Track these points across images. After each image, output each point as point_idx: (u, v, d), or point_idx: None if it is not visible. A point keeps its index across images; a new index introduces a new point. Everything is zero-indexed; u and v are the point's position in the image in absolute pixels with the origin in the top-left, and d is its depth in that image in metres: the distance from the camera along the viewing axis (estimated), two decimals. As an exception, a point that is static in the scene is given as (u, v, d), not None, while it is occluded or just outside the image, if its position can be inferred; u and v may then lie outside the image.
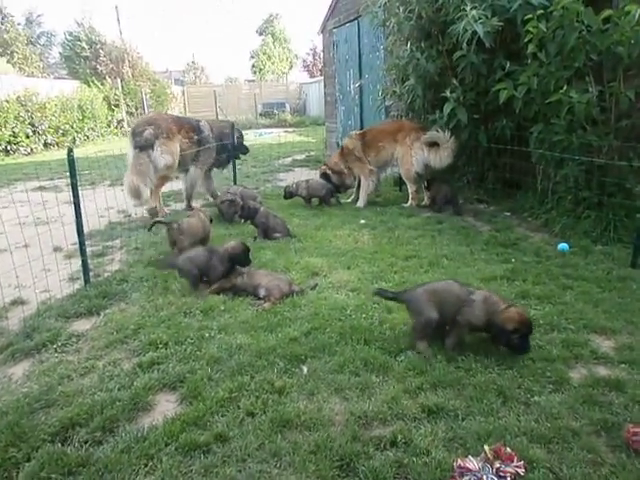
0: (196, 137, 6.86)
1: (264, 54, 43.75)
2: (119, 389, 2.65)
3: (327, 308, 3.49)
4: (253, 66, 44.52)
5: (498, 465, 1.97)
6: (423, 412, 2.36)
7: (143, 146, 6.18)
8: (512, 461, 1.99)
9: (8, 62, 27.91)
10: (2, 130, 14.19)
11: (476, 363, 2.75)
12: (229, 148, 7.41)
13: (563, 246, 4.65)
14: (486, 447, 2.04)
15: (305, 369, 2.75)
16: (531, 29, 4.74)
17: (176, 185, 8.50)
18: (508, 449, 2.04)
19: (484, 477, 1.93)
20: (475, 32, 5.18)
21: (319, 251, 4.81)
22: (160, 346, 3.07)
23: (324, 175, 7.08)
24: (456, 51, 5.72)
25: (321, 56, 35.53)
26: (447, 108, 5.89)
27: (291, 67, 46.25)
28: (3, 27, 34.13)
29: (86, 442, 2.27)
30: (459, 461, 1.99)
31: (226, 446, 2.19)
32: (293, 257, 4.61)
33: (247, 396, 2.51)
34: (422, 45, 6.37)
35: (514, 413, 2.35)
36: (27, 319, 3.64)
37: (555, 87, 4.80)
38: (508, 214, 6.06)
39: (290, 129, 21.68)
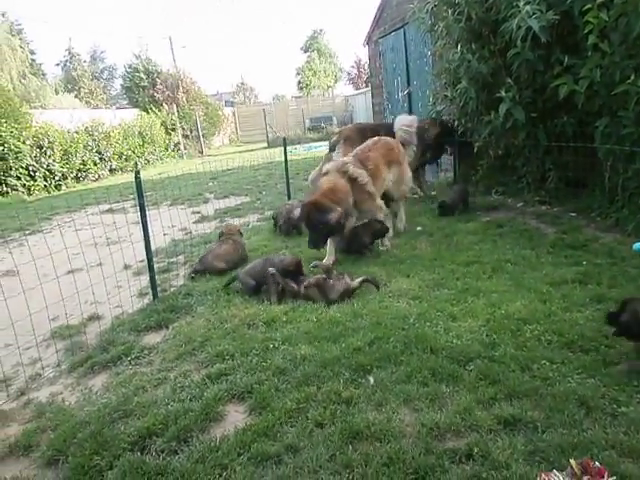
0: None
1: (310, 70, 44.59)
2: (190, 400, 2.73)
3: (389, 317, 3.44)
4: (299, 82, 45.46)
5: (587, 481, 1.84)
6: (499, 424, 2.25)
7: (331, 148, 7.60)
8: (602, 477, 1.84)
9: (76, 97, 30.21)
10: (73, 159, 15.28)
11: (553, 372, 2.60)
12: (430, 145, 7.51)
13: (639, 246, 4.33)
14: (572, 461, 1.90)
15: (372, 379, 2.71)
16: (591, 19, 4.50)
17: (231, 202, 8.77)
18: (597, 463, 1.89)
19: (572, 493, 1.80)
20: (530, 28, 5.00)
21: (376, 260, 4.77)
22: (227, 357, 3.14)
23: None
24: (509, 50, 5.54)
25: (365, 68, 35.91)
26: (503, 108, 5.70)
27: (336, 81, 46.82)
28: (72, 65, 37.03)
29: (163, 451, 2.35)
30: (543, 475, 1.87)
31: (297, 457, 2.19)
32: (350, 267, 4.60)
33: (315, 407, 2.51)
34: (473, 47, 6.22)
35: (600, 425, 2.19)
36: (103, 333, 3.85)
37: (621, 78, 4.52)
38: (574, 214, 5.73)
39: (338, 141, 21.78)
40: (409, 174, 5.79)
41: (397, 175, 5.50)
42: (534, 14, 4.98)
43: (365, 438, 2.25)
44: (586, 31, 4.64)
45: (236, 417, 2.58)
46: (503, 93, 5.68)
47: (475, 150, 6.95)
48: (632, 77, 4.37)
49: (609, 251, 4.36)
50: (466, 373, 2.67)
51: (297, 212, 6.12)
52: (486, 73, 6.03)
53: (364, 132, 7.01)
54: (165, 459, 2.29)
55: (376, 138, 5.60)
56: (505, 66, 5.91)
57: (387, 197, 5.50)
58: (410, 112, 10.21)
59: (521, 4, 5.01)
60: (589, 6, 4.52)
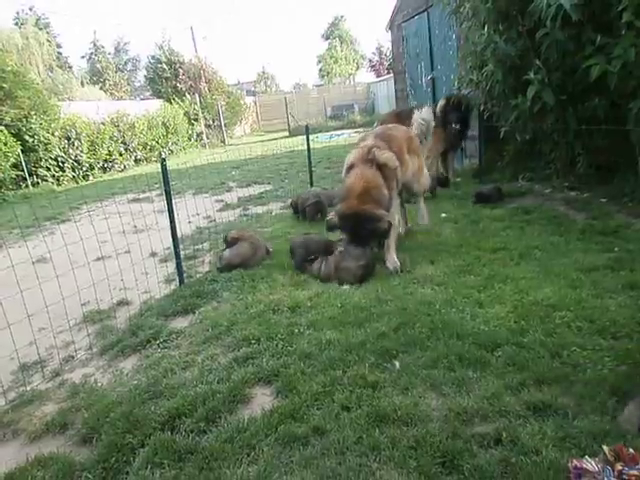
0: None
1: (331, 57, 44.17)
2: (218, 382, 2.78)
3: (414, 303, 3.42)
4: (320, 70, 45.11)
5: (620, 467, 1.79)
6: (528, 409, 2.23)
7: None
8: (637, 463, 1.80)
9: (101, 89, 30.70)
10: (100, 150, 15.58)
11: (584, 359, 2.54)
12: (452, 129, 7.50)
13: (674, 231, 4.18)
14: (605, 447, 1.87)
15: (397, 364, 2.70)
16: (626, -4, 4.32)
17: (254, 190, 8.83)
18: (630, 450, 1.86)
19: (605, 480, 1.77)
20: (560, 6, 4.81)
21: (400, 246, 4.72)
22: (253, 342, 3.18)
23: None
24: (538, 30, 5.35)
25: (387, 55, 35.33)
26: (531, 91, 5.53)
27: (357, 68, 46.27)
28: (96, 58, 37.60)
29: (192, 431, 2.41)
30: (575, 462, 1.84)
31: (324, 439, 2.21)
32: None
33: (341, 390, 2.52)
34: (500, 27, 6.04)
35: (633, 413, 2.14)
36: (132, 318, 3.95)
37: (657, 57, 4.34)
38: (604, 200, 5.55)
39: (360, 129, 21.61)
40: (426, 169, 5.45)
41: (417, 166, 5.10)
42: (565, -9, 4.80)
43: (392, 421, 2.25)
44: (620, 8, 4.46)
45: (263, 399, 2.62)
46: (532, 75, 5.51)
47: (502, 135, 6.78)
48: (670, 55, 4.19)
49: (643, 237, 4.22)
50: (494, 359, 2.64)
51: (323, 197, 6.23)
52: (514, 55, 5.86)
53: (399, 115, 7.67)
54: (194, 439, 2.34)
55: (392, 124, 5.42)
56: (533, 47, 5.73)
57: (407, 190, 5.17)
58: (434, 98, 10.04)
59: (552, -18, 4.83)
60: (624, -18, 4.33)
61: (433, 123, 5.69)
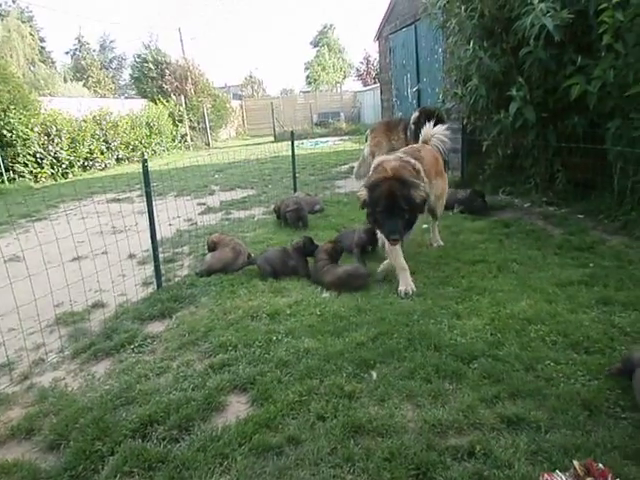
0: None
1: (319, 65, 44.45)
2: (193, 389, 2.73)
3: (393, 313, 3.43)
4: (308, 77, 45.32)
5: (590, 482, 1.82)
6: (502, 422, 2.24)
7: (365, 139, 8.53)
8: (605, 478, 1.83)
9: (84, 85, 30.24)
10: (81, 147, 15.31)
11: (557, 373, 2.58)
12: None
13: (647, 249, 4.30)
14: (575, 462, 1.89)
15: (374, 374, 2.70)
16: (606, 19, 4.45)
17: (237, 195, 8.78)
18: (600, 465, 1.88)
19: (574, 494, 1.79)
20: (543, 26, 4.94)
21: (380, 255, 4.74)
22: (230, 348, 3.14)
23: None
24: (521, 48, 5.48)
25: (374, 64, 35.69)
26: (513, 107, 5.66)
27: (345, 76, 46.64)
28: (81, 54, 37.08)
29: (164, 439, 2.35)
30: (546, 476, 1.85)
31: (298, 449, 2.19)
32: (355, 262, 4.58)
33: (317, 400, 2.51)
34: (485, 44, 6.17)
35: (604, 427, 2.17)
36: (107, 321, 3.86)
37: (634, 79, 4.47)
38: (581, 216, 5.69)
39: (345, 137, 21.76)
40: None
41: (441, 189, 4.85)
42: (548, 12, 4.94)
43: (367, 432, 2.25)
44: (600, 31, 4.60)
45: (238, 407, 2.58)
46: (514, 92, 5.64)
47: (484, 149, 6.90)
48: (646, 79, 4.33)
49: (616, 254, 4.33)
50: (470, 371, 2.66)
51: (304, 203, 6.22)
52: (497, 71, 5.99)
53: (387, 124, 8.57)
54: (166, 447, 2.29)
55: (420, 144, 4.94)
56: (517, 65, 5.86)
57: (429, 212, 4.80)
58: (419, 109, 10.19)
59: (535, 2, 4.96)
60: (604, 5, 4.47)
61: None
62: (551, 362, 2.68)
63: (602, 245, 4.64)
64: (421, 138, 5.13)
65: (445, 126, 5.30)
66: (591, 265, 4.13)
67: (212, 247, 4.89)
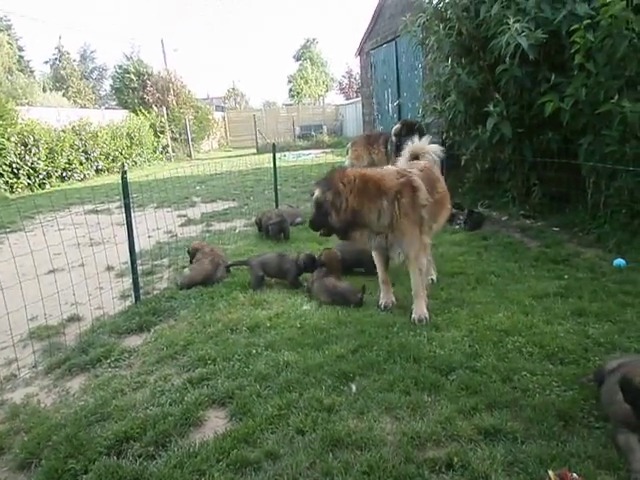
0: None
1: (301, 78, 44.84)
2: (170, 404, 2.69)
3: (373, 326, 3.44)
4: (290, 90, 45.64)
5: (565, 492, 1.85)
6: (479, 434, 2.26)
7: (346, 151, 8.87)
8: (580, 488, 1.86)
9: (64, 95, 29.88)
10: (59, 158, 15.06)
11: (533, 384, 2.62)
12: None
13: (619, 262, 4.42)
14: (550, 472, 1.93)
15: (354, 387, 2.70)
16: (578, 40, 4.63)
17: (218, 207, 8.74)
18: (575, 474, 1.92)
19: (550, 504, 1.81)
20: (518, 45, 5.10)
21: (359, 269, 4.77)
22: (209, 362, 3.10)
23: None
24: (498, 65, 5.65)
25: (356, 78, 36.19)
26: (490, 122, 5.80)
27: (327, 90, 47.13)
28: (61, 64, 36.69)
29: (140, 456, 2.30)
30: (522, 486, 1.88)
31: (277, 464, 2.17)
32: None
33: (296, 413, 2.49)
34: (463, 61, 6.34)
35: (578, 437, 2.22)
36: (82, 335, 3.78)
37: (605, 97, 4.64)
38: (557, 229, 5.83)
39: (328, 150, 21.91)
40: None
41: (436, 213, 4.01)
42: (523, 32, 5.10)
43: (346, 446, 2.24)
44: (573, 51, 4.77)
45: (216, 422, 2.55)
46: (491, 108, 5.78)
47: (462, 163, 7.04)
48: (616, 97, 4.50)
49: (590, 266, 4.44)
50: (448, 383, 2.68)
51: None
52: (475, 88, 6.14)
53: (368, 138, 8.80)
54: (142, 464, 2.24)
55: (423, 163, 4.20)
56: (494, 81, 6.03)
57: None
58: (399, 123, 10.36)
59: (511, 22, 5.12)
60: (576, 26, 4.65)
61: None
62: (527, 373, 2.72)
63: (577, 257, 4.76)
64: (407, 152, 4.46)
65: (436, 144, 4.66)
66: (566, 277, 4.23)
67: (193, 253, 4.92)
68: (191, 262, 4.96)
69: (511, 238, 5.66)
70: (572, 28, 4.73)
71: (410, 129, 7.70)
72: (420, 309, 3.58)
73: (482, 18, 5.79)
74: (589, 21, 4.61)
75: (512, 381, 2.66)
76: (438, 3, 6.73)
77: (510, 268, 4.57)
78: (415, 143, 4.52)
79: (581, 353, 2.91)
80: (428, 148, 4.44)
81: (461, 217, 6.46)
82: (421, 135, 7.71)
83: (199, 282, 4.52)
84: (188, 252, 5.11)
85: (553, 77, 5.30)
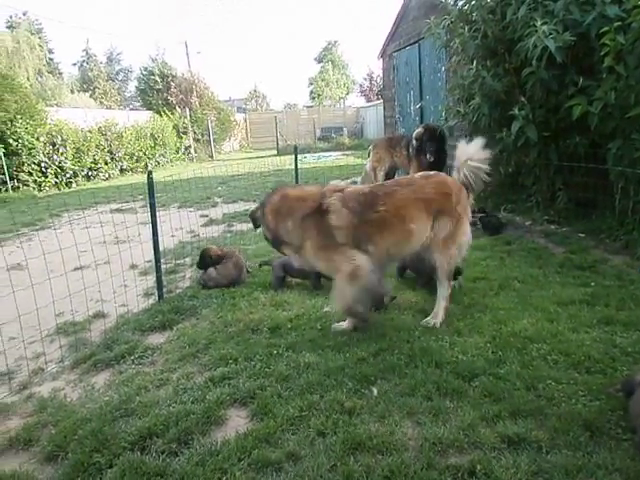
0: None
1: (322, 80, 44.92)
2: (192, 402, 2.72)
3: (394, 329, 3.42)
4: (311, 92, 45.78)
5: (591, 504, 1.81)
6: (503, 442, 2.23)
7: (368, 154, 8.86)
8: (607, 501, 1.82)
9: (90, 97, 30.59)
10: (85, 157, 15.43)
11: (559, 392, 2.57)
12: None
13: (649, 269, 4.30)
14: (577, 484, 1.89)
15: (375, 390, 2.69)
16: (608, 42, 4.53)
17: (240, 207, 8.81)
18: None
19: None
20: (545, 48, 5.02)
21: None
22: (230, 362, 3.13)
23: None
24: (524, 68, 5.57)
25: (377, 81, 36.07)
26: (515, 126, 5.71)
27: (348, 92, 47.10)
28: (88, 66, 37.57)
29: (163, 452, 2.34)
30: (547, 497, 1.84)
31: (298, 465, 2.17)
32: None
33: (317, 415, 2.49)
34: (488, 64, 6.26)
35: (605, 449, 2.16)
36: (107, 331, 3.86)
37: (635, 101, 4.53)
38: (582, 235, 5.70)
39: (348, 152, 21.91)
40: (467, 236, 3.69)
41: (445, 231, 3.53)
42: (550, 34, 5.01)
43: (367, 449, 2.23)
44: (602, 53, 4.67)
45: (237, 422, 2.57)
46: (516, 111, 5.70)
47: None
48: (647, 101, 4.39)
49: (618, 273, 4.33)
50: (471, 389, 2.65)
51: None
52: (500, 90, 6.06)
53: (390, 141, 8.71)
54: (165, 460, 2.27)
55: (430, 173, 3.86)
56: (519, 84, 5.94)
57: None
58: (421, 126, 10.29)
59: (538, 24, 5.04)
60: (606, 29, 4.55)
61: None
62: (552, 381, 2.67)
63: (604, 264, 4.65)
64: (455, 163, 3.91)
65: (480, 143, 3.90)
66: (592, 284, 4.13)
67: (216, 260, 4.75)
68: (199, 264, 4.86)
69: (535, 243, 5.57)
70: (602, 30, 4.63)
71: (432, 134, 7.67)
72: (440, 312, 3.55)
73: (508, 20, 5.71)
74: (620, 23, 4.50)
75: (537, 389, 2.61)
76: (463, 5, 6.67)
77: (534, 274, 4.49)
78: (460, 150, 3.87)
79: (608, 362, 2.84)
80: (469, 154, 3.80)
81: (478, 222, 6.38)
82: (443, 140, 7.70)
83: (224, 286, 4.56)
84: (204, 256, 4.87)
85: (581, 80, 5.19)
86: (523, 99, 5.78)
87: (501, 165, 6.76)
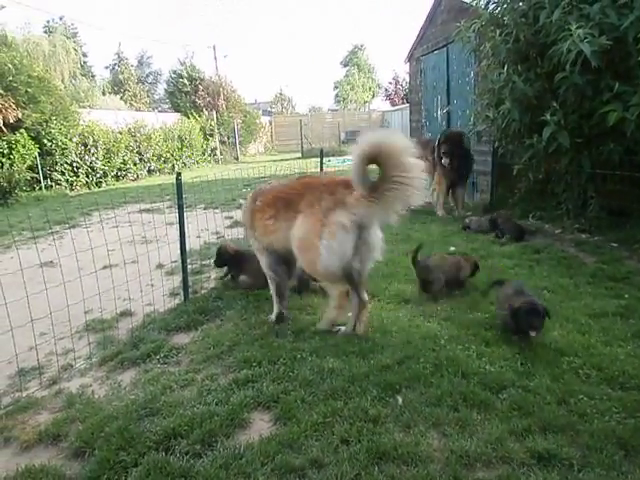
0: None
1: (348, 84, 44.96)
2: (217, 404, 2.73)
3: (419, 337, 3.38)
4: (337, 95, 45.86)
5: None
6: (532, 458, 2.16)
7: None
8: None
9: (121, 99, 31.34)
10: (115, 158, 15.81)
11: (591, 408, 2.48)
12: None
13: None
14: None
15: (400, 399, 2.65)
16: (647, 46, 4.39)
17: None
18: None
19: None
20: (580, 52, 4.89)
21: (408, 277, 4.69)
22: (254, 364, 3.14)
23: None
24: (556, 73, 5.43)
25: (403, 85, 35.83)
26: (547, 132, 5.57)
27: (373, 96, 46.99)
28: (119, 69, 38.52)
29: (187, 453, 2.35)
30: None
31: (321, 472, 2.15)
32: (381, 283, 4.55)
33: (341, 422, 2.47)
34: (519, 68, 6.13)
35: (640, 469, 2.08)
36: (134, 330, 3.92)
37: (675, 107, 4.38)
38: (615, 245, 5.52)
39: (372, 156, 21.79)
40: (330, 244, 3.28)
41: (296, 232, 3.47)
42: (586, 38, 4.88)
43: (391, 460, 2.20)
44: (640, 58, 4.52)
45: (261, 425, 2.57)
46: (548, 117, 5.56)
47: (514, 172, 6.82)
48: (687, 107, 4.22)
49: (654, 286, 4.18)
50: (499, 401, 2.59)
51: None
52: (531, 95, 5.93)
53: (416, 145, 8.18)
54: (189, 462, 2.29)
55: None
56: (551, 89, 5.80)
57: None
58: (448, 131, 10.17)
59: (573, 28, 4.92)
60: (645, 33, 4.40)
61: None
62: (585, 396, 2.58)
63: (638, 276, 4.49)
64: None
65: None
66: (626, 296, 4.00)
67: (233, 257, 4.80)
68: (217, 261, 4.91)
69: (565, 252, 5.42)
70: (640, 34, 4.49)
71: (451, 139, 7.54)
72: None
73: (541, 24, 5.58)
74: (660, 27, 4.36)
75: (568, 404, 2.53)
76: (494, 9, 6.57)
77: (564, 284, 4.36)
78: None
79: (644, 379, 2.74)
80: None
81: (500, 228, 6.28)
82: (465, 147, 7.55)
83: (256, 288, 4.54)
84: (222, 252, 4.90)
85: (617, 85, 5.03)
86: (555, 104, 5.63)
87: (531, 171, 6.63)
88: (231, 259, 4.88)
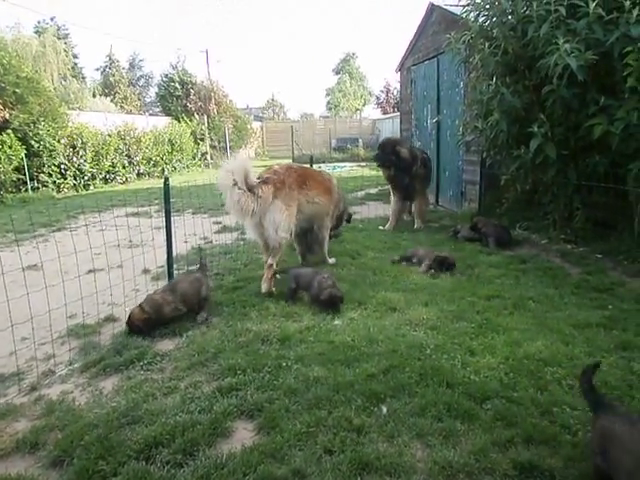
0: None
1: (339, 91, 45.22)
2: (199, 412, 2.70)
3: (405, 346, 3.37)
4: (328, 102, 46.09)
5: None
6: (515, 469, 2.17)
7: None
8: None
9: (111, 101, 31.15)
10: (104, 160, 15.66)
11: (574, 419, 2.50)
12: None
13: (669, 294, 4.20)
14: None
15: (384, 409, 2.64)
16: (631, 62, 4.48)
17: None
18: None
19: None
20: (567, 66, 4.97)
21: (395, 286, 4.71)
22: (239, 372, 3.11)
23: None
24: (544, 86, 5.52)
25: (394, 93, 36.16)
26: (534, 143, 5.65)
27: (365, 104, 47.31)
28: (110, 71, 38.33)
29: (168, 463, 2.31)
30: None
31: (304, 483, 2.13)
32: (368, 291, 4.55)
33: (325, 432, 2.45)
34: (507, 80, 6.22)
35: (622, 481, 2.08)
36: (117, 336, 3.86)
37: (659, 122, 4.46)
38: (600, 256, 5.60)
39: (363, 163, 21.90)
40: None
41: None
42: (572, 53, 4.97)
43: (375, 470, 2.18)
44: (625, 73, 4.61)
45: (244, 434, 2.54)
46: (535, 128, 5.64)
47: (502, 183, 6.90)
48: (670, 122, 4.31)
49: (636, 297, 4.24)
50: (482, 412, 2.59)
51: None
52: (519, 107, 6.01)
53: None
54: (170, 471, 2.25)
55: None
56: (539, 102, 5.89)
57: None
58: (438, 140, 10.26)
59: (560, 42, 5.00)
60: (630, 49, 4.51)
61: None
62: (568, 407, 2.60)
63: (621, 287, 4.55)
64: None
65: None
66: (610, 307, 4.05)
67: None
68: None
69: (551, 263, 5.48)
70: (625, 50, 4.58)
71: (389, 149, 7.50)
72: None
73: (529, 38, 5.67)
74: (644, 43, 4.45)
75: (551, 415, 2.54)
76: (484, 22, 6.66)
77: (549, 294, 4.41)
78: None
79: (625, 390, 2.76)
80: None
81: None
82: (400, 156, 7.43)
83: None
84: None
85: (602, 99, 5.13)
86: (542, 116, 5.72)
87: (518, 182, 6.71)
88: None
